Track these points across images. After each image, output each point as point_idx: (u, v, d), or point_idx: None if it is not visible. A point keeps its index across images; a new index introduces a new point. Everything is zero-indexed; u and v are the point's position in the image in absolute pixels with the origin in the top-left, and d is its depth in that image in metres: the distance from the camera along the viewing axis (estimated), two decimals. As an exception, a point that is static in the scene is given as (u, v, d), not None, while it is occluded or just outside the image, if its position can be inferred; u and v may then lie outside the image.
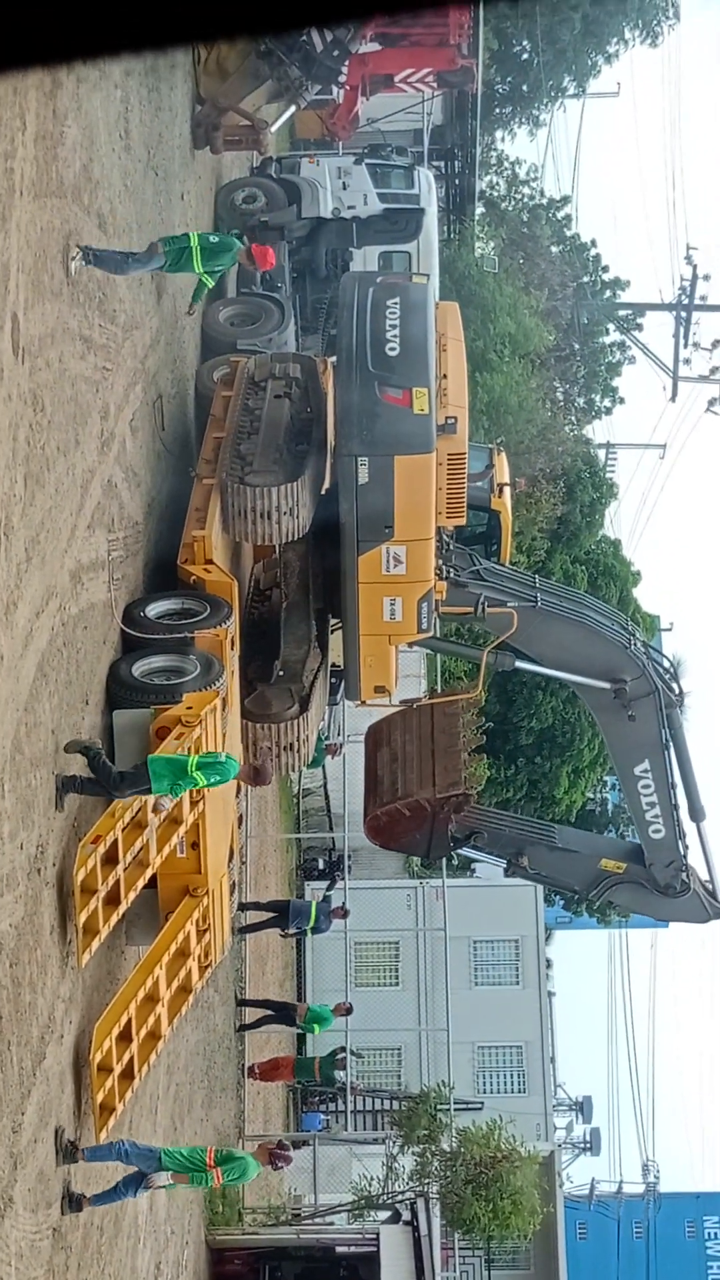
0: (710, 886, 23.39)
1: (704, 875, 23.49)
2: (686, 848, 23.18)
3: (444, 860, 24.67)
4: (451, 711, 24.12)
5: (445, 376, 22.58)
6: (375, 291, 22.50)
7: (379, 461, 21.18)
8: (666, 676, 22.89)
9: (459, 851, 24.55)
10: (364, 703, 24.21)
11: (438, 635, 25.93)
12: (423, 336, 21.87)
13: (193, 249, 18.50)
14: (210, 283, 19.50)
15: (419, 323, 22.01)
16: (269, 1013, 28.56)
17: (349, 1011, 28.95)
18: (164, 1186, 16.31)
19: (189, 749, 16.27)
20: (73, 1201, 15.09)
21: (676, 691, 22.84)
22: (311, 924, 27.86)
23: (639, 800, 23.06)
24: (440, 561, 22.43)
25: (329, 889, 33.43)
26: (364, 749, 24.72)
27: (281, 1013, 28.53)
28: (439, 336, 22.61)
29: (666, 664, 23.46)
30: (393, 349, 21.52)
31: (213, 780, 15.89)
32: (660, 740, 22.71)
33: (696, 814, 23.03)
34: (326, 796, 38.23)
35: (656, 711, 22.56)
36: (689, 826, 23.13)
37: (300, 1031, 33.09)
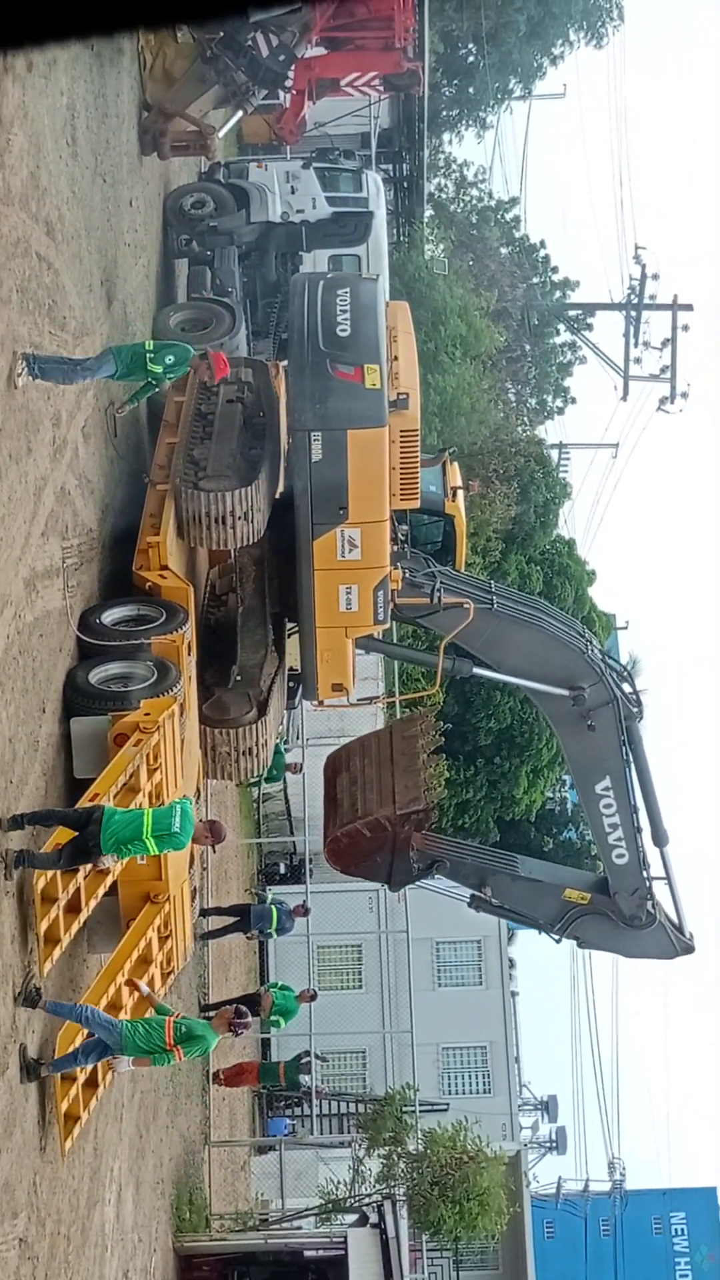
0: (676, 920, 22.94)
1: (668, 905, 22.97)
2: (651, 879, 22.80)
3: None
4: (410, 734, 24.02)
5: (396, 359, 22.62)
6: (325, 284, 22.64)
7: (332, 437, 21.16)
8: (624, 687, 22.66)
9: (422, 884, 23.95)
10: (322, 703, 24.16)
11: (393, 641, 25.95)
12: (373, 318, 21.95)
13: (145, 354, 17.84)
14: (161, 384, 18.80)
15: (369, 308, 22.12)
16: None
17: (314, 998, 28.88)
18: (126, 1070, 15.91)
19: (145, 801, 16.11)
20: (30, 1070, 14.81)
21: (635, 702, 22.66)
22: (274, 926, 27.84)
23: (601, 823, 22.64)
24: (396, 564, 22.42)
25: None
26: (323, 777, 24.42)
27: (246, 1005, 28.49)
28: (389, 329, 22.66)
29: (625, 679, 23.09)
30: (344, 330, 21.59)
31: (166, 849, 15.59)
32: (620, 754, 22.41)
33: (659, 838, 22.67)
34: (286, 801, 38.24)
35: (616, 722, 22.32)
36: (653, 854, 22.70)
37: (264, 1038, 33.09)
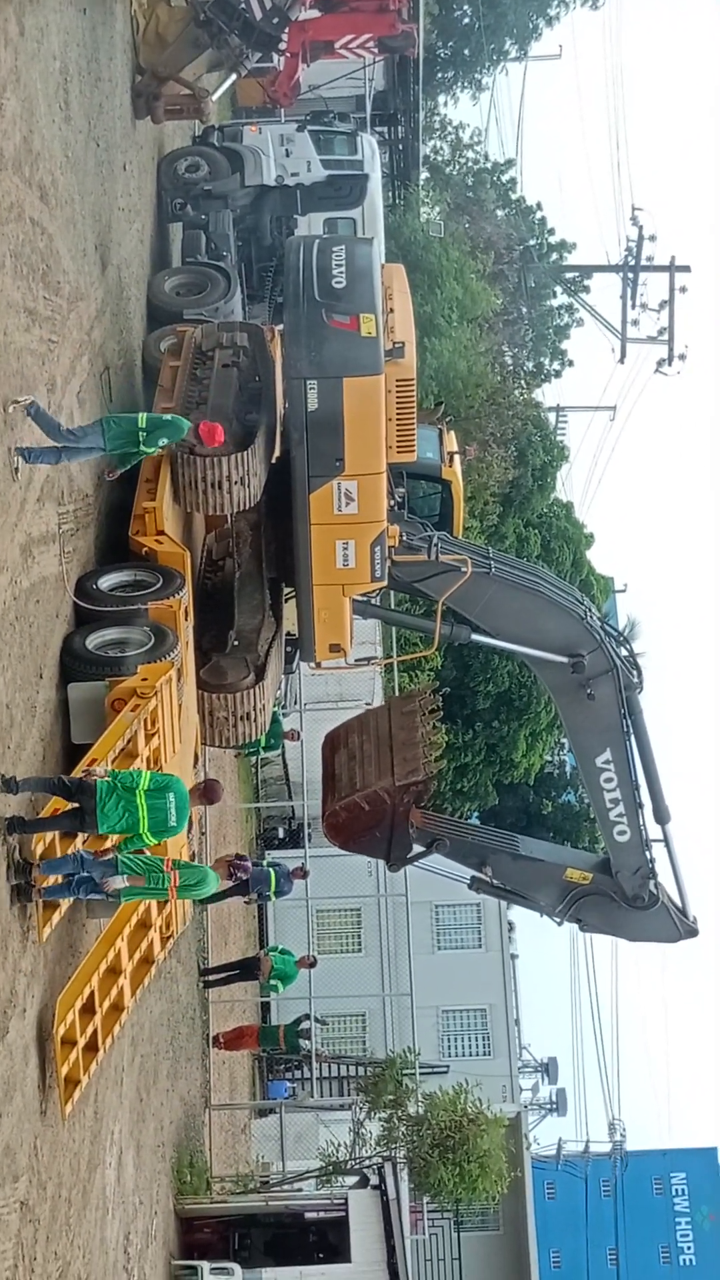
0: (679, 903, 22.59)
1: (671, 887, 22.59)
2: (654, 859, 22.38)
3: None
4: (409, 710, 23.87)
5: (392, 311, 22.54)
6: (320, 243, 22.58)
7: (328, 385, 21.05)
8: (624, 655, 22.35)
9: (421, 865, 23.56)
10: (319, 665, 24.04)
11: (391, 606, 25.87)
12: (368, 270, 21.87)
13: (139, 431, 17.16)
14: (151, 453, 18.11)
15: (365, 262, 22.05)
16: (234, 972, 28.64)
17: (313, 964, 28.94)
18: (120, 890, 15.40)
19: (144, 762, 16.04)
20: (21, 890, 14.75)
21: (633, 665, 22.42)
22: (273, 889, 27.89)
23: (602, 798, 22.33)
24: (393, 523, 22.28)
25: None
26: (321, 756, 24.23)
27: (246, 969, 28.59)
28: (385, 288, 22.58)
29: (624, 644, 22.83)
30: (339, 282, 21.52)
31: (156, 810, 15.24)
32: (621, 725, 22.10)
33: (661, 815, 22.28)
34: (285, 766, 38.26)
35: (616, 692, 21.99)
36: (655, 832, 22.32)
37: (264, 1001, 33.20)
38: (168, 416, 17.71)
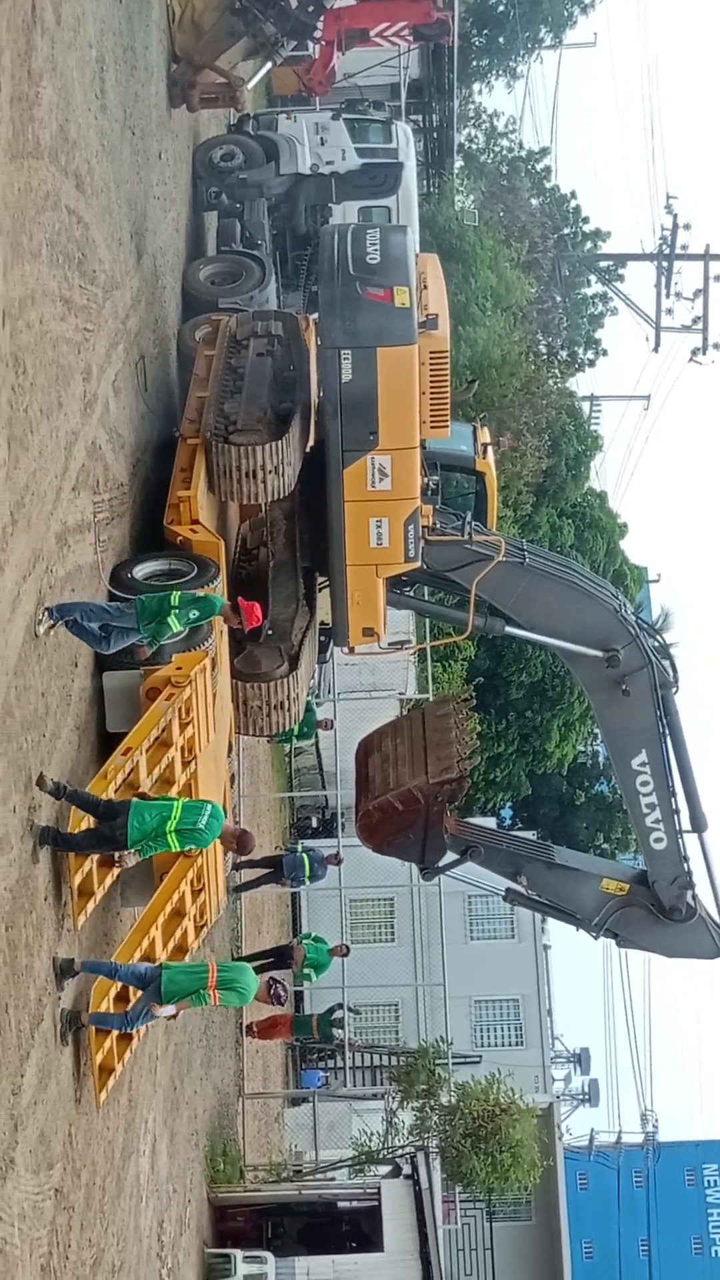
0: (718, 918, 22.00)
1: (707, 896, 21.96)
2: (690, 871, 21.84)
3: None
4: (442, 713, 23.70)
5: (426, 287, 22.52)
6: (355, 228, 22.66)
7: (362, 355, 21.02)
8: (658, 654, 21.98)
9: (455, 874, 23.22)
10: (353, 649, 23.93)
11: (423, 598, 25.79)
12: (402, 249, 21.89)
13: (170, 608, 16.32)
14: (180, 630, 16.97)
15: (398, 241, 22.08)
16: (268, 961, 28.67)
17: (346, 953, 28.90)
18: (169, 1013, 15.92)
19: (176, 795, 16.13)
20: (69, 1023, 15.01)
21: (665, 654, 22.16)
22: (307, 874, 27.87)
23: (639, 802, 21.88)
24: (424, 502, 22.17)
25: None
26: (354, 760, 24.00)
27: (279, 958, 28.60)
28: (420, 274, 22.56)
29: (655, 637, 22.50)
30: (373, 258, 21.56)
31: (188, 847, 15.66)
32: (657, 724, 21.69)
33: (698, 822, 21.78)
34: (318, 754, 38.28)
35: (651, 690, 21.61)
36: (691, 842, 21.82)
37: (297, 990, 33.21)
38: (200, 593, 16.82)
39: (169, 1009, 15.69)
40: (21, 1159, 13.36)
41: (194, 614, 16.47)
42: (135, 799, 15.33)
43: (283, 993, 17.63)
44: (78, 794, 14.89)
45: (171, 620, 16.21)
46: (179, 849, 15.57)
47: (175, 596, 16.28)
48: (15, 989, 13.32)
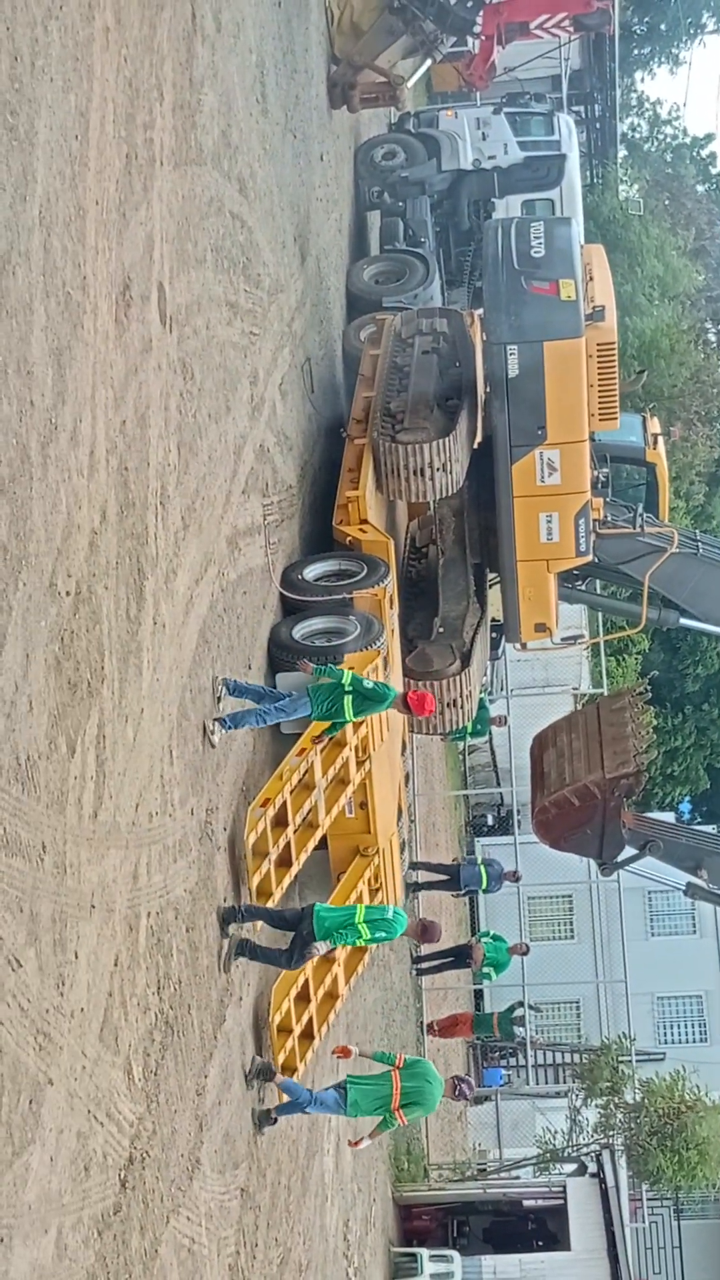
0: None
1: None
2: None
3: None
4: (618, 707, 23.47)
5: (592, 280, 22.35)
6: (519, 222, 22.54)
7: (528, 350, 20.92)
8: None
9: (634, 869, 22.95)
10: (525, 645, 23.79)
11: (596, 591, 25.58)
12: (567, 241, 21.72)
13: (344, 691, 15.73)
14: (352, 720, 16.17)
15: (562, 233, 21.92)
16: (447, 960, 28.60)
17: (526, 952, 28.75)
18: (366, 1145, 16.68)
19: (359, 897, 16.15)
20: (262, 1120, 15.34)
21: None
22: (484, 887, 27.74)
23: None
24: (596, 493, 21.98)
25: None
26: (529, 756, 23.91)
27: (458, 957, 28.51)
28: (585, 265, 22.39)
29: None
30: (538, 252, 21.43)
31: (379, 937, 15.51)
32: None
33: None
34: (493, 752, 38.16)
35: None
36: None
37: (477, 989, 33.12)
38: (370, 683, 16.12)
39: (365, 1142, 16.49)
40: (207, 1159, 13.46)
41: (367, 705, 15.94)
42: (317, 903, 15.48)
43: (468, 1091, 17.68)
44: (254, 909, 15.00)
45: (346, 709, 15.70)
46: (369, 938, 15.43)
47: (347, 677, 15.74)
48: (197, 990, 13.43)
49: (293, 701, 15.67)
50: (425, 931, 19.39)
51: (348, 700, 15.64)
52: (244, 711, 15.00)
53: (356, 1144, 17.03)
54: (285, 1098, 15.63)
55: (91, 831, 10.84)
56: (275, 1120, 15.64)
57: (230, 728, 14.67)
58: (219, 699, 14.40)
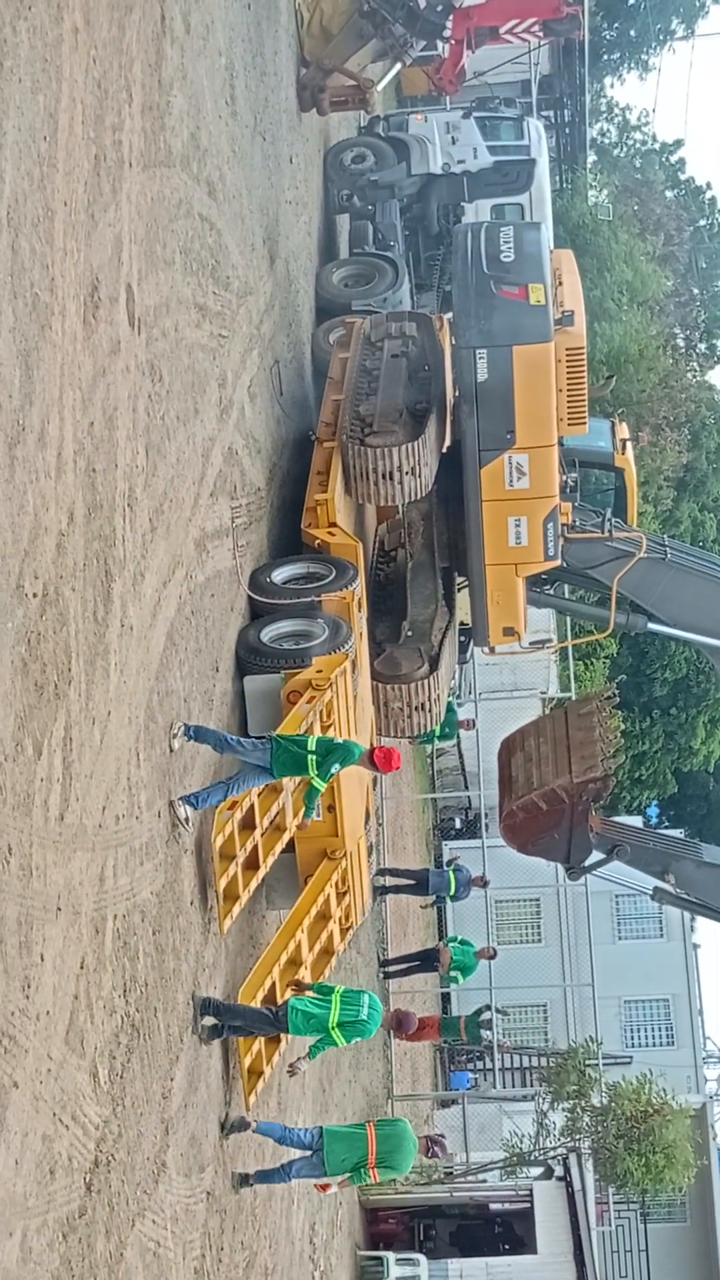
0: None
1: None
2: None
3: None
4: (585, 711, 23.54)
5: (561, 284, 22.40)
6: (488, 226, 22.59)
7: (497, 355, 20.95)
8: None
9: (601, 874, 22.98)
10: (493, 650, 23.83)
11: (564, 596, 25.62)
12: (536, 246, 21.77)
13: (309, 754, 15.32)
14: (321, 788, 15.72)
15: (532, 238, 21.97)
16: (414, 963, 28.61)
17: (493, 956, 28.81)
18: (334, 1191, 17.23)
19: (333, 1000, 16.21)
20: (241, 1181, 15.62)
21: None
22: (452, 893, 27.77)
23: None
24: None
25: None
26: (497, 760, 23.93)
27: (425, 960, 28.53)
28: (554, 270, 22.43)
29: None
30: (507, 256, 21.49)
31: (353, 1038, 15.58)
32: None
33: None
34: (460, 755, 38.20)
35: None
36: None
37: (445, 992, 33.13)
38: (339, 740, 15.91)
39: (334, 1184, 16.49)
40: (173, 1162, 13.43)
41: (335, 767, 15.49)
42: (293, 997, 15.50)
43: (440, 1152, 17.94)
44: (231, 1008, 15.10)
45: (316, 783, 15.41)
46: (345, 1043, 15.60)
47: (312, 741, 15.33)
48: (164, 993, 13.40)
49: (253, 742, 15.34)
50: (400, 1024, 19.45)
51: (311, 760, 15.25)
52: (209, 788, 14.75)
53: (324, 1188, 17.07)
54: (269, 1144, 15.79)
55: (58, 834, 10.81)
56: (253, 1184, 15.88)
57: (191, 737, 14.51)
58: (174, 736, 14.02)
